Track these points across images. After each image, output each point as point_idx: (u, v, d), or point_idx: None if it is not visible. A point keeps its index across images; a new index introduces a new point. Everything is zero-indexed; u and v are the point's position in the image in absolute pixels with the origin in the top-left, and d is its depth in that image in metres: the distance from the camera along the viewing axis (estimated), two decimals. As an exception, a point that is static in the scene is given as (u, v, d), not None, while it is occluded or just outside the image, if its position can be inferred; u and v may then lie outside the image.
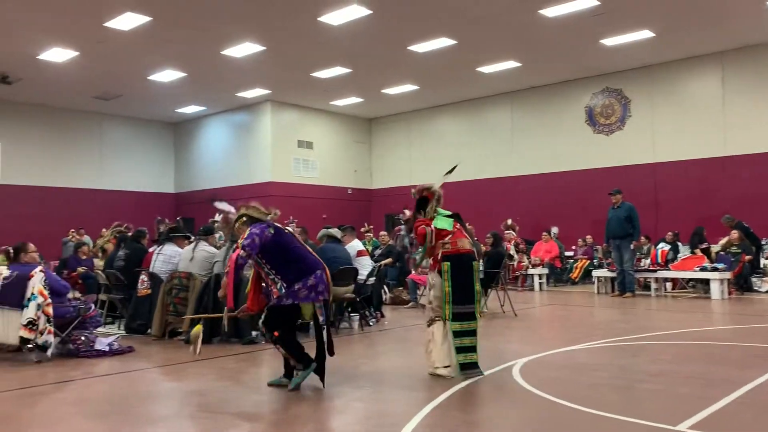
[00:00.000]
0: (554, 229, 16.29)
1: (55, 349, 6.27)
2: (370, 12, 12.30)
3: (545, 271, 14.54)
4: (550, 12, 12.52)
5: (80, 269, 10.91)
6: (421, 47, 14.56)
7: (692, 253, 13.19)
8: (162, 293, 7.63)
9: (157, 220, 9.71)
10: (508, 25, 13.27)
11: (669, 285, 12.99)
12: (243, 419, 4.32)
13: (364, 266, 8.66)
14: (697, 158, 15.69)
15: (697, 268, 11.80)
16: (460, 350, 5.17)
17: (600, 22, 13.13)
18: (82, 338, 6.48)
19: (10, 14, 12.23)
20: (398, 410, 4.42)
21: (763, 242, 13.50)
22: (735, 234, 12.58)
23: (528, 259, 14.58)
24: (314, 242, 9.35)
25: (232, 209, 5.22)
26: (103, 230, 12.20)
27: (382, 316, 9.34)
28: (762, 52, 14.87)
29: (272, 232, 4.89)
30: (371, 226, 16.15)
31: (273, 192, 19.29)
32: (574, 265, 15.24)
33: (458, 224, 5.44)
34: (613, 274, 12.44)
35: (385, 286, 11.43)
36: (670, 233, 14.46)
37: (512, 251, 13.41)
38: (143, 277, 8.05)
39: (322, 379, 4.94)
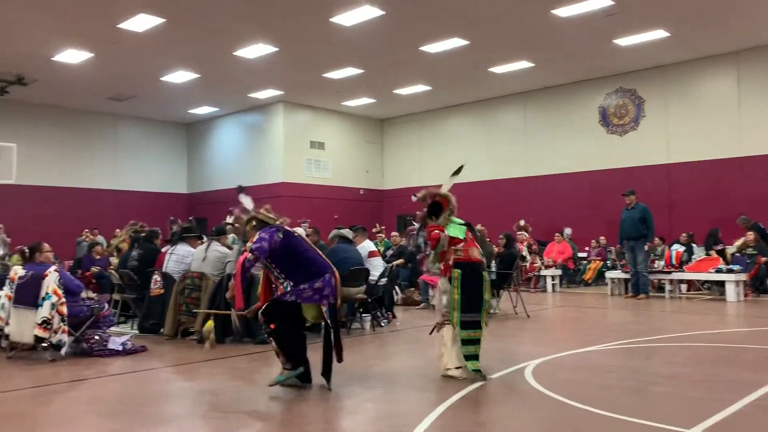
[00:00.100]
0: (567, 230, 16.19)
1: (69, 348, 6.33)
2: (383, 12, 12.30)
3: (558, 272, 14.47)
4: (562, 12, 12.46)
5: (94, 269, 11.04)
6: (433, 47, 14.54)
7: (707, 254, 13.09)
8: (175, 293, 7.67)
9: (170, 220, 9.74)
10: (521, 25, 13.22)
11: (684, 287, 12.89)
12: (255, 419, 4.34)
13: (376, 267, 8.67)
14: (711, 159, 15.54)
15: (712, 270, 11.70)
16: (466, 358, 5.20)
17: (613, 22, 13.05)
18: (96, 337, 6.54)
19: (26, 16, 12.35)
20: (410, 411, 4.43)
21: (779, 243, 13.36)
22: (751, 235, 12.46)
23: (541, 260, 14.54)
24: (326, 243, 9.37)
25: (252, 207, 5.23)
26: (117, 230, 12.28)
27: (394, 316, 9.33)
28: (777, 52, 14.74)
29: (281, 236, 4.89)
30: (383, 227, 16.15)
31: (285, 192, 19.35)
32: (588, 267, 15.16)
33: (470, 233, 5.48)
34: (627, 276, 12.35)
35: (396, 287, 11.42)
36: (684, 234, 14.37)
37: (525, 252, 13.35)
38: (156, 276, 8.09)
39: (328, 382, 4.93)
